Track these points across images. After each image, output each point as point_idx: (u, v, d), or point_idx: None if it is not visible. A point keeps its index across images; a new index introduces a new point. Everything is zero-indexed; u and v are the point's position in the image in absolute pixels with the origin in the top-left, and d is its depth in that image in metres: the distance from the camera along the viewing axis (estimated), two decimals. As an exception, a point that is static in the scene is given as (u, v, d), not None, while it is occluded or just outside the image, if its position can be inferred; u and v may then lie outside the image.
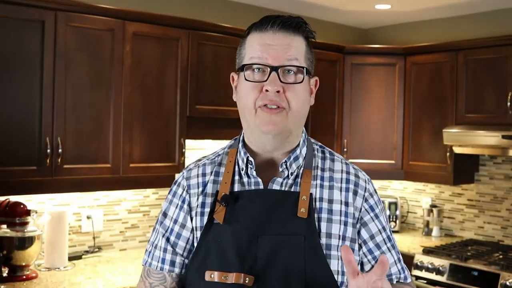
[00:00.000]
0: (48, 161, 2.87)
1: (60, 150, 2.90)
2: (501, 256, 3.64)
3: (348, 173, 1.41)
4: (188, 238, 1.39)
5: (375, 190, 1.44)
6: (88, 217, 3.41)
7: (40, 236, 2.94)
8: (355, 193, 1.38)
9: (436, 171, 4.08)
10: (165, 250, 1.39)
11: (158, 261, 1.39)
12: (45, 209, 3.16)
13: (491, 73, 3.77)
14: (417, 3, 4.04)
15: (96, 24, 3.04)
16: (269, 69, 1.30)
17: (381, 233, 1.39)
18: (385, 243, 1.40)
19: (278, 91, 1.29)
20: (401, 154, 4.30)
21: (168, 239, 1.40)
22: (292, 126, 1.34)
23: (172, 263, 1.39)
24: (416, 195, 4.64)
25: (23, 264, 2.87)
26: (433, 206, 4.44)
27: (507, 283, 3.22)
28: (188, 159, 3.71)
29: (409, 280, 1.44)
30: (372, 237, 1.38)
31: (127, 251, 3.56)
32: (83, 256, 3.32)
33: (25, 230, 2.88)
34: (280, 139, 1.35)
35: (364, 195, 1.39)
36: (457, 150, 3.89)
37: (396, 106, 4.31)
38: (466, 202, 4.30)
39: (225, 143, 4.02)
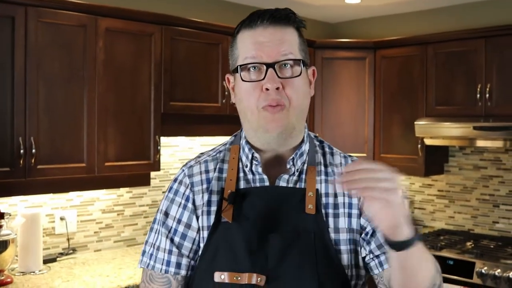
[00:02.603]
0: (21, 161, 2.77)
1: (33, 150, 2.80)
2: (473, 245, 3.72)
3: (346, 164, 1.39)
4: (194, 239, 1.34)
5: None
6: (62, 218, 3.32)
7: (15, 240, 2.84)
8: None
9: (407, 163, 4.13)
10: (169, 252, 1.34)
11: (162, 264, 1.34)
12: (17, 211, 3.06)
13: (460, 66, 3.84)
14: (387, -3, 4.08)
15: (68, 19, 2.95)
16: (265, 67, 1.27)
17: None
18: None
19: (277, 88, 1.27)
20: (372, 146, 4.34)
21: (172, 240, 1.34)
22: (295, 122, 1.32)
23: (178, 265, 1.34)
24: (387, 187, 4.69)
25: (-2, 269, 2.77)
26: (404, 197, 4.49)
27: (483, 271, 3.29)
28: (163, 156, 3.66)
29: None
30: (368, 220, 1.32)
31: (102, 252, 3.49)
32: (57, 259, 3.22)
33: (-1, 234, 2.78)
34: (284, 136, 1.33)
35: None
36: (428, 142, 3.95)
37: (367, 99, 4.35)
38: (437, 193, 4.38)
39: (200, 139, 4.06)
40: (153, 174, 3.57)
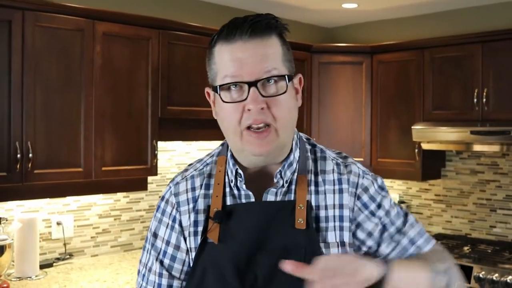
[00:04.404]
0: (18, 166, 2.76)
1: (30, 155, 2.79)
2: (470, 250, 3.72)
3: (339, 173, 1.30)
4: (184, 260, 1.30)
5: (374, 180, 1.33)
6: (58, 223, 3.30)
7: (11, 245, 2.83)
8: (347, 192, 1.28)
9: (404, 167, 4.13)
10: (160, 275, 1.31)
11: (153, 286, 1.31)
12: (14, 216, 3.04)
13: (457, 71, 3.85)
14: (384, 2, 4.09)
15: (65, 24, 2.94)
16: (247, 86, 1.18)
17: (377, 226, 1.30)
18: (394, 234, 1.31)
19: (262, 108, 1.18)
20: (369, 151, 4.34)
21: (162, 262, 1.31)
22: (284, 139, 1.25)
23: None
24: (384, 192, 4.69)
25: (-6, 274, 2.76)
26: (401, 202, 4.50)
27: (480, 276, 3.29)
28: (160, 161, 3.65)
29: (427, 248, 1.35)
30: (370, 234, 1.29)
31: (99, 257, 3.47)
32: (54, 264, 3.21)
33: (-5, 239, 2.77)
34: (273, 156, 1.26)
35: (355, 193, 1.29)
36: (425, 146, 3.95)
37: (364, 104, 4.35)
38: (434, 197, 4.38)
39: (197, 144, 4.04)
40: (150, 178, 3.56)
